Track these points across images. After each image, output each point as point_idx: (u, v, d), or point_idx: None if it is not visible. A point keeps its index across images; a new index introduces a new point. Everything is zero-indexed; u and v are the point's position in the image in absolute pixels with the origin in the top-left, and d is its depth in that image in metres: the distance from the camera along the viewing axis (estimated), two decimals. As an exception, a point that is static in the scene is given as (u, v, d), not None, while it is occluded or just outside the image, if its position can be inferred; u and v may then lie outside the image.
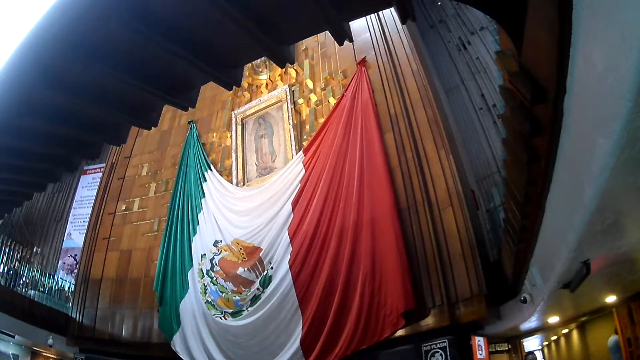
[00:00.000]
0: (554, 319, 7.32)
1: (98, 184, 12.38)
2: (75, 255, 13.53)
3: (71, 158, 5.31)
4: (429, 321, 7.14)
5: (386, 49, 9.49)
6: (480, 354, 7.00)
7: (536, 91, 2.87)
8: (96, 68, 3.56)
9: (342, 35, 3.58)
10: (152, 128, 4.87)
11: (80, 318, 10.16)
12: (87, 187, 14.34)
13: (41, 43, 3.22)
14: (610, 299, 6.35)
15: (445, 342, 6.96)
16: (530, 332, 8.51)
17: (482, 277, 6.84)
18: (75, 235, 14.08)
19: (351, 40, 3.68)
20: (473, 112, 11.77)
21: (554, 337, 10.38)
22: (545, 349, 10.18)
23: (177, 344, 9.21)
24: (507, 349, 8.35)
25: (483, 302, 6.74)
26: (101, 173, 13.19)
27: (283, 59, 3.90)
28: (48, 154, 5.01)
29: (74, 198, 14.97)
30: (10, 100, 3.79)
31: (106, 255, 10.81)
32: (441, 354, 6.95)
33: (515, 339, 8.58)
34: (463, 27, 12.86)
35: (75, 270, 12.67)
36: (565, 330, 9.70)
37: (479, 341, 7.07)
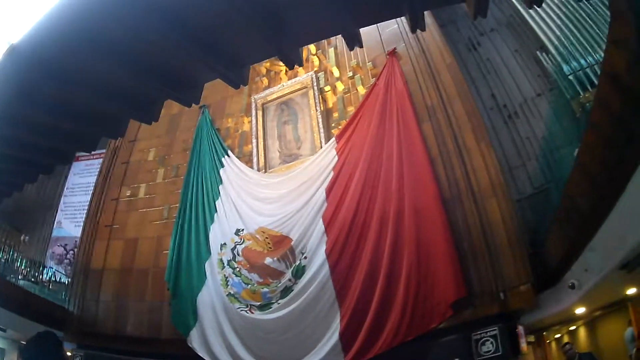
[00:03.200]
0: (580, 310, 7.72)
1: (98, 169, 11.68)
2: (66, 245, 12.94)
3: (66, 150, 5.28)
4: (477, 310, 7.24)
5: (417, 41, 9.64)
6: (522, 343, 7.17)
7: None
8: (101, 60, 3.59)
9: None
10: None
11: (80, 312, 9.69)
12: (80, 174, 13.74)
13: (46, 34, 3.29)
14: (631, 291, 6.90)
15: (496, 330, 7.04)
16: (551, 325, 8.73)
17: (528, 265, 7.06)
18: (66, 223, 13.51)
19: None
20: (484, 112, 11.92)
21: (557, 335, 10.62)
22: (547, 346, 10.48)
23: (194, 340, 8.83)
24: (533, 340, 8.69)
25: (531, 290, 6.96)
26: (95, 160, 12.44)
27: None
28: (44, 145, 4.93)
29: (65, 185, 14.31)
30: (11, 89, 3.78)
31: (109, 244, 10.37)
32: (492, 342, 7.01)
33: (540, 331, 8.78)
34: (472, 27, 13.10)
35: (66, 260, 11.87)
36: (573, 327, 9.97)
37: (521, 330, 7.23)
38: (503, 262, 7.20)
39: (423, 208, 7.79)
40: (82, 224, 11.38)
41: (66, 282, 11.25)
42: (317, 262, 8.18)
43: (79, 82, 3.78)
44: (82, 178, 13.95)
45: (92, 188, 11.59)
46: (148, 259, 9.96)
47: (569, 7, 9.75)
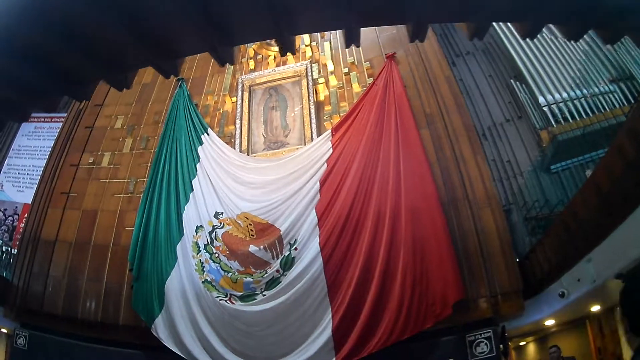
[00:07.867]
0: (550, 322, 7.98)
1: (52, 132, 10.29)
2: (5, 210, 11.12)
3: (24, 106, 4.48)
4: (470, 313, 7.21)
5: (417, 49, 9.63)
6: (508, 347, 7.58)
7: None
8: (85, 7, 3.12)
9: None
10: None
11: (25, 286, 8.36)
12: (28, 136, 12.27)
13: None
14: (595, 308, 7.11)
15: (489, 332, 7.12)
16: (513, 337, 8.88)
17: (519, 273, 7.22)
18: (7, 187, 11.81)
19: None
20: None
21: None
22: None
23: (159, 329, 7.83)
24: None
25: (520, 296, 7.14)
26: (46, 123, 11.02)
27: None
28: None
29: (11, 146, 12.64)
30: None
31: (64, 213, 9.06)
32: (486, 344, 7.09)
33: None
34: (449, 47, 13.33)
35: (4, 227, 10.25)
36: (523, 343, 10.15)
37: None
38: (495, 268, 7.28)
39: (420, 209, 7.62)
40: (25, 189, 9.99)
41: (5, 251, 9.76)
42: (310, 254, 7.66)
43: (52, 27, 3.15)
44: (29, 140, 12.49)
45: (41, 152, 10.33)
46: (108, 235, 8.81)
47: (555, 43, 10.10)
